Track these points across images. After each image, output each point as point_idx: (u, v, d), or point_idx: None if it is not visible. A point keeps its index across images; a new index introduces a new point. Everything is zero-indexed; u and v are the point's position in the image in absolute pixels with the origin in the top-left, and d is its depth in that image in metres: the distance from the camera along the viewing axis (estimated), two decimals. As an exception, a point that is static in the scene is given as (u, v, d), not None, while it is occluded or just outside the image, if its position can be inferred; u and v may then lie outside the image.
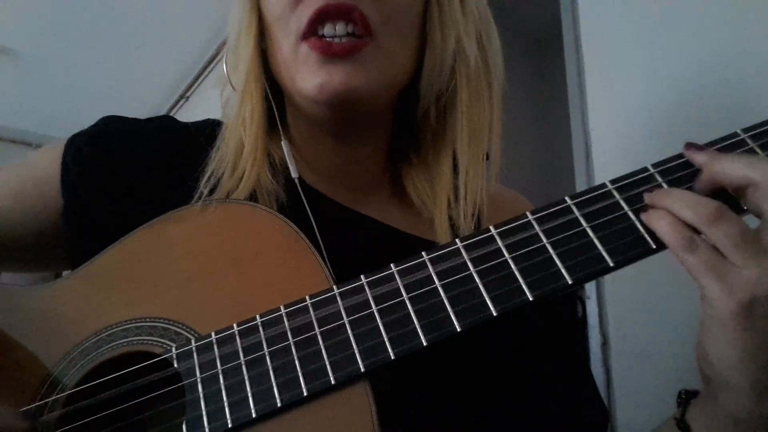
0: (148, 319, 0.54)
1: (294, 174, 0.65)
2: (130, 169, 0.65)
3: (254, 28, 0.65)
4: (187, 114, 3.10)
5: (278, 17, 0.61)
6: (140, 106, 3.06)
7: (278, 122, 0.68)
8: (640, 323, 1.00)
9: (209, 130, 0.69)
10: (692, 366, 0.86)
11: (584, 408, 0.69)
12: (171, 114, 3.14)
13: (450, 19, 0.63)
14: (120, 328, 0.54)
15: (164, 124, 0.73)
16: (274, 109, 0.67)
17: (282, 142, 0.67)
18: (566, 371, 0.70)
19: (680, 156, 0.51)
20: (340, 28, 0.58)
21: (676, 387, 0.87)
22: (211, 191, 0.61)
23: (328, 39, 0.58)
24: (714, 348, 0.45)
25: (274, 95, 0.67)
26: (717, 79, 0.91)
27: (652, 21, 1.04)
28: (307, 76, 0.59)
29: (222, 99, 0.71)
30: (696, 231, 0.46)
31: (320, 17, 0.57)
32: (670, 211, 0.46)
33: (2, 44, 2.69)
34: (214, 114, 0.75)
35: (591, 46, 1.18)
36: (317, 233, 0.60)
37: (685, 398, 0.55)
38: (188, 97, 3.14)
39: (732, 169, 0.47)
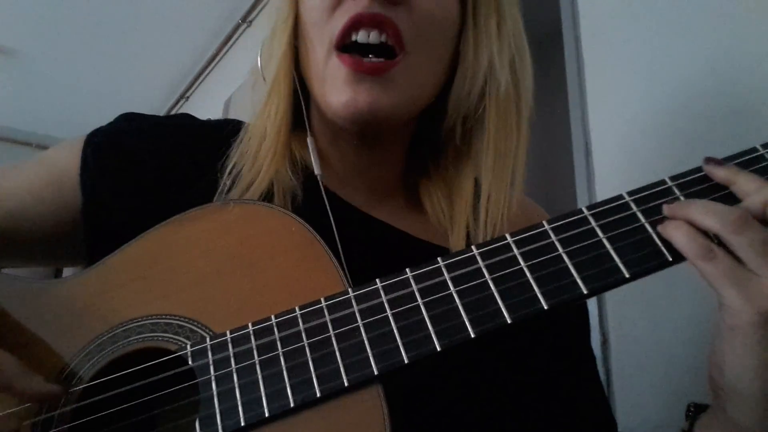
0: (163, 316, 0.54)
1: (317, 170, 0.66)
2: (149, 167, 0.66)
3: (290, 26, 0.65)
4: (187, 114, 3.08)
5: (314, 23, 0.62)
6: (140, 106, 3.05)
7: (305, 119, 0.68)
8: (640, 323, 1.00)
9: (230, 128, 0.69)
10: (692, 366, 0.87)
11: (592, 418, 0.69)
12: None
13: (484, 40, 0.63)
14: (136, 324, 0.54)
15: (183, 121, 0.74)
16: (303, 106, 0.67)
17: (308, 138, 0.67)
18: (576, 380, 0.70)
19: (699, 169, 0.51)
20: (373, 36, 0.58)
21: (677, 387, 0.88)
22: (233, 183, 0.62)
23: (361, 45, 0.58)
24: (730, 357, 0.45)
25: (302, 92, 0.67)
26: (717, 79, 0.92)
27: (652, 21, 1.04)
28: (334, 90, 0.60)
29: (226, 99, 0.71)
30: (714, 241, 0.46)
31: (355, 25, 0.58)
32: (691, 220, 0.46)
33: (2, 44, 2.68)
34: (214, 114, 0.75)
35: (591, 46, 1.18)
36: (336, 233, 0.60)
37: (694, 411, 0.55)
38: (188, 97, 3.14)
39: (749, 185, 0.47)
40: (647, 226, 0.48)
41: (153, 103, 3.19)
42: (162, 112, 3.18)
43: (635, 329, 1.01)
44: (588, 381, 0.72)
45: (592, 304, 1.09)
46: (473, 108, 0.66)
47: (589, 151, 1.15)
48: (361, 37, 0.59)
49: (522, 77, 0.67)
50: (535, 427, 0.63)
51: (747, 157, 0.51)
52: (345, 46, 0.60)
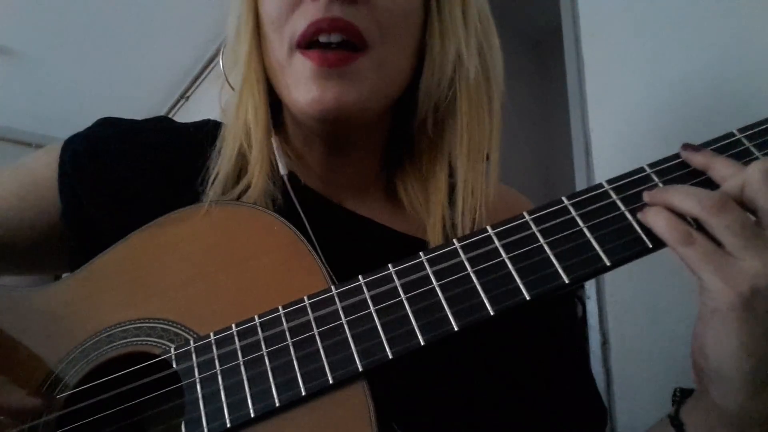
0: (147, 320, 0.54)
1: (282, 171, 0.65)
2: (128, 171, 0.65)
3: (251, 26, 0.64)
4: (187, 114, 3.09)
5: (272, 22, 0.61)
6: (140, 106, 3.07)
7: (270, 119, 0.67)
8: (640, 323, 1.00)
9: (208, 130, 0.68)
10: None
11: (583, 405, 0.70)
12: (171, 114, 3.15)
13: (450, 30, 0.63)
14: (120, 329, 0.54)
15: (161, 125, 0.73)
16: (268, 107, 0.66)
17: (272, 138, 0.66)
18: (564, 369, 0.70)
19: (677, 156, 0.51)
20: (334, 37, 0.58)
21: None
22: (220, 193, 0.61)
23: (323, 44, 0.58)
24: (712, 340, 0.45)
25: (270, 92, 0.66)
26: (717, 79, 0.91)
27: (652, 21, 1.04)
28: (300, 88, 0.59)
29: (222, 100, 0.70)
30: (693, 226, 0.46)
31: (315, 32, 0.58)
32: (671, 205, 0.47)
33: (2, 44, 2.69)
34: (215, 114, 0.74)
35: (591, 46, 1.18)
36: (310, 231, 0.60)
37: (680, 396, 0.56)
38: (188, 97, 3.14)
39: (725, 169, 0.47)
40: (627, 213, 0.48)
41: (153, 103, 3.19)
42: (162, 112, 3.17)
43: (635, 329, 1.01)
44: (577, 370, 0.72)
45: (592, 304, 1.09)
46: (443, 97, 0.65)
47: (589, 151, 1.15)
48: (322, 38, 0.58)
49: (491, 62, 0.67)
50: (525, 419, 0.63)
51: (724, 142, 0.51)
52: (307, 44, 0.59)
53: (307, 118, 0.61)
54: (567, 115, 1.22)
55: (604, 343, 1.06)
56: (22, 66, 2.86)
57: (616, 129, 1.09)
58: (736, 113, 0.87)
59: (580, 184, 1.15)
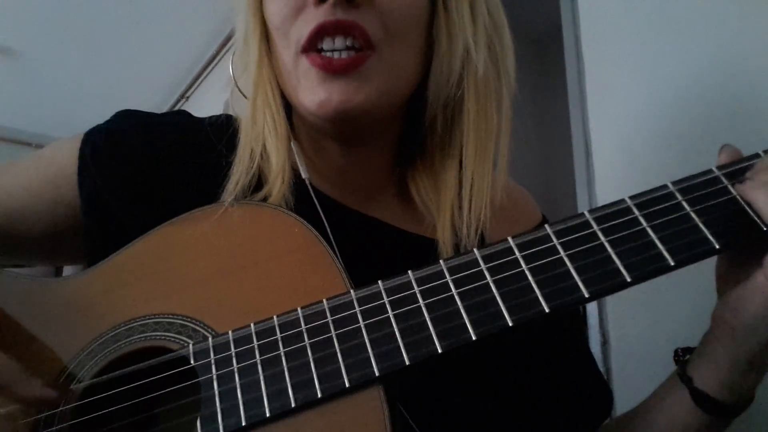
0: (166, 316, 0.54)
1: (304, 174, 0.65)
2: (148, 164, 0.65)
3: (259, 32, 0.65)
4: (187, 114, 3.08)
5: (277, 28, 0.61)
6: (140, 106, 3.05)
7: (287, 124, 0.67)
8: (640, 323, 1.00)
9: (225, 125, 0.69)
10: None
11: (588, 390, 0.70)
12: (170, 114, 3.14)
13: (457, 26, 0.62)
14: (138, 323, 0.54)
15: (180, 119, 0.73)
16: (283, 112, 0.67)
17: (291, 143, 0.67)
18: (569, 357, 0.71)
19: (702, 174, 0.51)
20: (339, 42, 0.58)
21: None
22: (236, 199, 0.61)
23: (327, 54, 0.58)
24: (758, 303, 0.48)
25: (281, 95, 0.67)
26: (718, 79, 0.91)
27: (652, 21, 1.04)
28: (308, 91, 0.59)
29: (230, 105, 0.70)
30: None
31: (319, 34, 0.58)
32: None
33: (2, 44, 2.69)
34: (214, 114, 0.74)
35: (591, 46, 1.18)
36: (330, 235, 0.60)
37: (682, 355, 0.58)
38: (188, 97, 3.13)
39: None
40: (649, 230, 0.48)
41: (153, 103, 3.18)
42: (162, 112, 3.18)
43: (635, 329, 1.01)
44: (580, 357, 0.73)
45: (592, 304, 1.09)
46: (452, 94, 0.65)
47: (589, 151, 1.14)
48: (326, 45, 0.58)
49: (502, 56, 0.67)
50: (530, 411, 0.64)
51: (750, 162, 0.51)
52: (312, 48, 0.59)
53: (316, 119, 0.61)
54: (567, 115, 1.22)
55: (604, 343, 1.05)
56: (22, 66, 2.86)
57: (616, 129, 1.09)
58: (736, 113, 0.88)
59: (580, 184, 1.15)
